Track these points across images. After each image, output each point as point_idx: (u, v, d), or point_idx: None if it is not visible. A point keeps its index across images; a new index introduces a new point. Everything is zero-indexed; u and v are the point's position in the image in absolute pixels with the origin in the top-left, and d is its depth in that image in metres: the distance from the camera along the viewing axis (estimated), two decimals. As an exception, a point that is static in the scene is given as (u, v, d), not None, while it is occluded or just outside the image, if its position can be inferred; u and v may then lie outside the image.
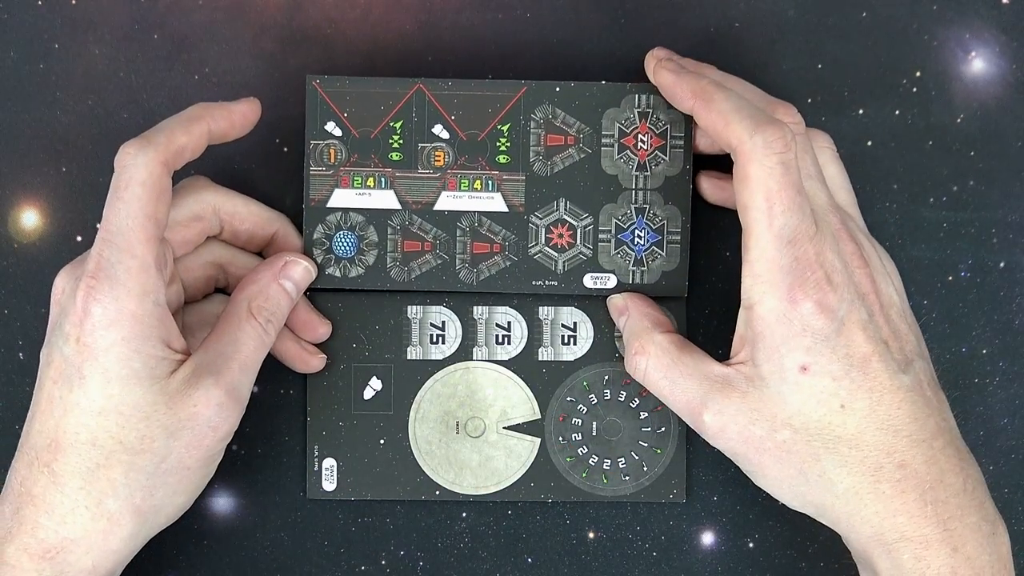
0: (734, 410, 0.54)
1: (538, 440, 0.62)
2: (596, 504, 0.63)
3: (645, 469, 0.62)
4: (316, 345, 0.61)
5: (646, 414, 0.62)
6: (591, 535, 0.63)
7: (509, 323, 0.62)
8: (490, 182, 0.60)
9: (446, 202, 0.60)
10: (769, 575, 0.64)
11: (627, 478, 0.62)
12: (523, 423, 0.62)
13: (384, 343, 0.62)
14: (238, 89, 0.62)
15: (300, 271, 0.59)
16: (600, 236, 0.60)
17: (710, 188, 0.61)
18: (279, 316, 0.57)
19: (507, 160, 0.60)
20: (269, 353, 0.58)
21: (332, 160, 0.60)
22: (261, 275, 0.58)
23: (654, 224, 0.60)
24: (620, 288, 0.61)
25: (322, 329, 0.61)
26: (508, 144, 0.60)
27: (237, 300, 0.57)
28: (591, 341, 0.62)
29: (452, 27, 0.62)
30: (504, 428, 0.62)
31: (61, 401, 0.53)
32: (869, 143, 0.63)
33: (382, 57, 0.62)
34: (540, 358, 0.62)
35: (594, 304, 0.62)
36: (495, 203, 0.60)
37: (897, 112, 0.62)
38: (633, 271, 0.60)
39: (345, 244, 0.60)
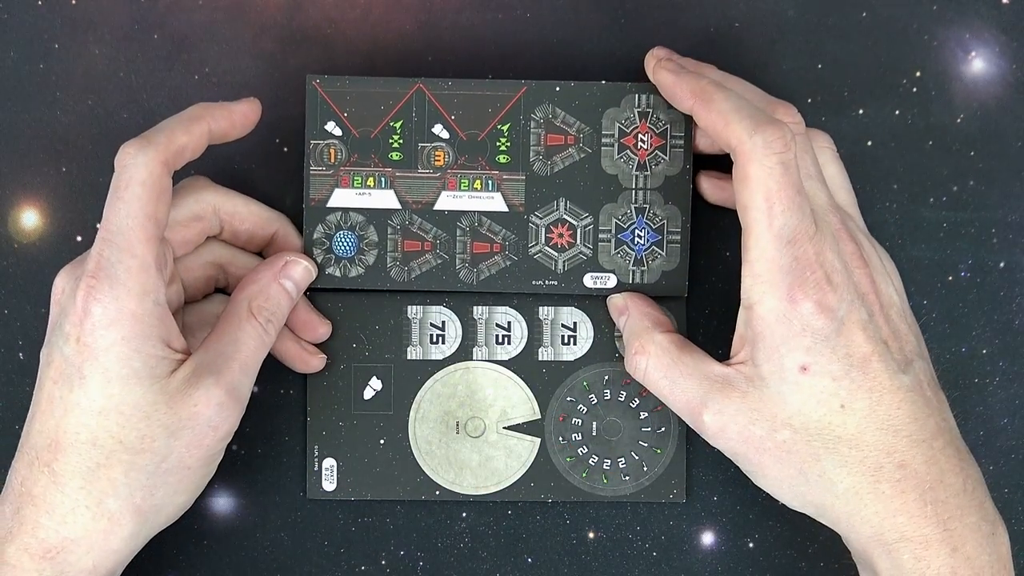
0: (734, 410, 0.54)
1: (538, 440, 0.62)
2: (596, 504, 0.63)
3: (645, 469, 0.62)
4: (316, 345, 0.61)
5: (646, 414, 0.62)
6: (591, 535, 0.63)
7: (509, 323, 0.62)
8: (490, 182, 0.60)
9: (446, 202, 0.60)
10: (769, 575, 0.64)
11: (627, 478, 0.62)
12: (523, 423, 0.62)
13: (384, 343, 0.62)
14: (238, 89, 0.62)
15: (300, 271, 0.59)
16: (600, 236, 0.60)
17: (710, 188, 0.61)
18: (279, 316, 0.57)
19: (507, 160, 0.60)
20: (269, 353, 0.58)
21: (332, 160, 0.60)
22: (261, 275, 0.58)
23: (654, 224, 0.60)
24: (620, 288, 0.61)
25: (322, 329, 0.61)
26: (508, 144, 0.60)
27: (237, 300, 0.57)
28: (591, 341, 0.62)
29: (452, 27, 0.62)
30: (504, 428, 0.62)
31: (61, 401, 0.53)
32: (869, 143, 0.63)
33: (382, 57, 0.62)
34: (540, 358, 0.62)
35: (594, 304, 0.62)
36: (495, 203, 0.60)
37: (897, 112, 0.62)
38: (633, 271, 0.60)
39: (345, 244, 0.60)
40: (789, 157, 0.52)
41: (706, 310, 0.63)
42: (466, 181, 0.60)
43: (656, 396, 0.57)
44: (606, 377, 0.62)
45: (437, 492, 0.62)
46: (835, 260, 0.53)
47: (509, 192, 0.60)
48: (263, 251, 0.61)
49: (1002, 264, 0.63)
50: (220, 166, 0.62)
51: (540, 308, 0.62)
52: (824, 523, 0.55)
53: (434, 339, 0.62)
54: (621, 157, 0.60)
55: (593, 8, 0.62)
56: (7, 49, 0.62)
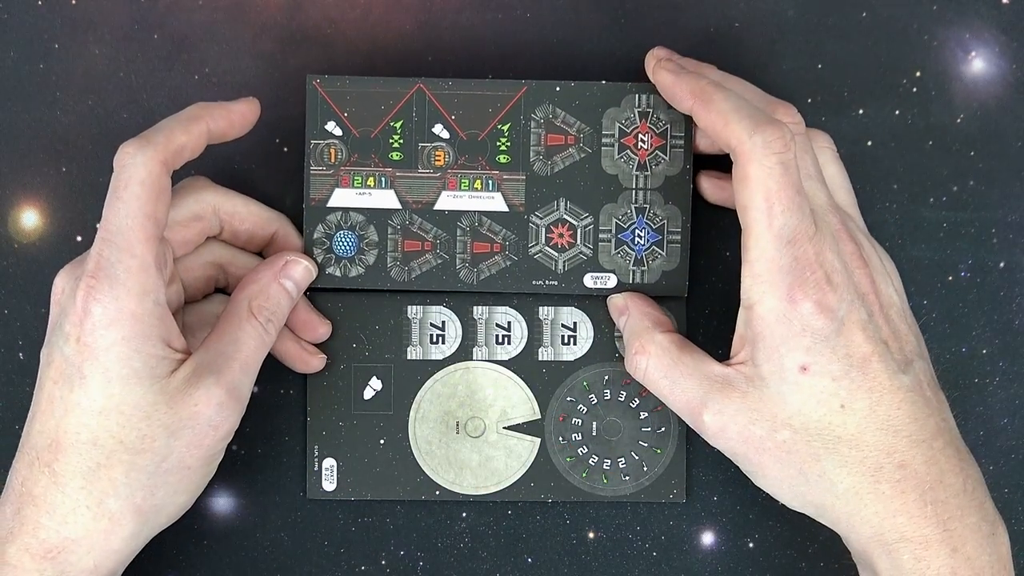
0: (734, 410, 0.54)
1: (538, 440, 0.62)
2: (596, 504, 0.63)
3: (645, 469, 0.62)
4: (316, 345, 0.61)
5: (646, 414, 0.62)
6: (591, 535, 0.63)
7: (509, 323, 0.62)
8: (490, 182, 0.60)
9: (446, 202, 0.60)
10: (769, 575, 0.63)
11: (627, 478, 0.62)
12: (523, 423, 0.62)
13: (384, 343, 0.62)
14: (238, 89, 0.62)
15: (301, 270, 0.59)
16: (600, 236, 0.60)
17: (710, 188, 0.61)
18: (280, 315, 0.57)
19: (507, 160, 0.60)
20: (269, 353, 0.58)
21: (332, 160, 0.60)
22: (262, 274, 0.58)
23: (654, 224, 0.60)
24: (620, 288, 0.61)
25: (322, 329, 0.61)
26: (508, 144, 0.60)
27: (238, 299, 0.57)
28: (591, 341, 0.62)
29: (452, 27, 0.62)
30: (504, 428, 0.62)
31: (62, 401, 0.53)
32: (869, 143, 0.63)
33: (382, 57, 0.62)
34: (540, 358, 0.62)
35: (594, 304, 0.62)
36: (495, 203, 0.60)
37: (897, 112, 0.62)
38: (633, 271, 0.60)
39: (345, 244, 0.60)
40: (789, 157, 0.52)
41: (706, 310, 0.63)
42: (466, 181, 0.60)
43: (656, 396, 0.57)
44: (606, 377, 0.62)
45: (437, 492, 0.62)
46: (835, 260, 0.53)
47: (509, 192, 0.60)
48: (263, 251, 0.61)
49: (1002, 264, 0.63)
50: (220, 166, 0.62)
51: (540, 308, 0.62)
52: (824, 523, 0.55)
53: (434, 339, 0.62)
54: (621, 157, 0.60)
55: (593, 8, 0.62)
56: (7, 49, 0.62)
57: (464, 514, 0.63)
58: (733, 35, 0.62)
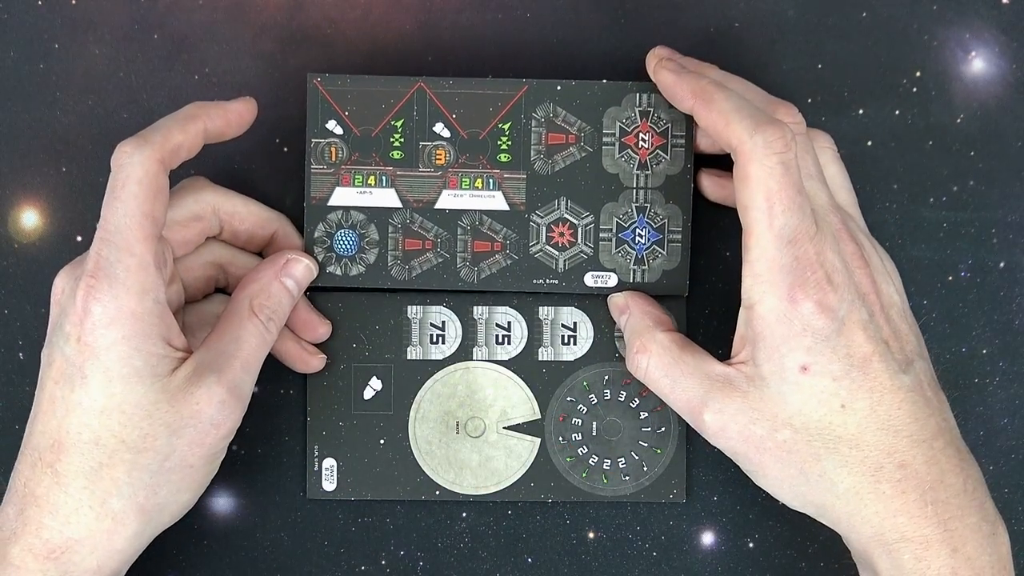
0: (734, 409, 0.54)
1: (538, 440, 0.62)
2: (596, 504, 0.63)
3: (645, 469, 0.62)
4: (316, 345, 0.61)
5: (646, 414, 0.62)
6: (591, 535, 0.63)
7: (509, 323, 0.62)
8: (491, 181, 0.60)
9: (447, 200, 0.60)
10: (769, 575, 0.63)
11: (627, 478, 0.62)
12: (523, 423, 0.62)
13: (384, 343, 0.62)
14: (238, 89, 0.62)
15: (301, 269, 0.59)
16: (601, 235, 0.60)
17: (711, 185, 0.61)
18: (281, 314, 0.57)
19: (508, 159, 0.60)
20: (269, 353, 0.58)
21: (333, 158, 0.60)
22: (263, 273, 0.58)
23: (655, 223, 0.60)
24: (621, 287, 0.61)
25: (322, 329, 0.61)
26: (509, 143, 0.60)
27: (238, 298, 0.57)
28: (591, 341, 0.62)
29: (452, 27, 0.62)
30: (504, 428, 0.62)
31: (63, 401, 0.53)
32: (869, 143, 0.63)
33: (382, 57, 0.62)
34: (540, 358, 0.62)
35: (594, 304, 0.62)
36: (496, 201, 0.60)
37: (897, 112, 0.62)
38: (634, 270, 0.60)
39: (346, 242, 0.60)
40: (790, 157, 0.52)
41: (706, 310, 0.63)
42: (467, 180, 0.60)
43: (657, 395, 0.57)
44: (606, 377, 0.62)
45: (437, 492, 0.62)
46: (836, 260, 0.53)
47: (510, 191, 0.60)
48: (263, 251, 0.61)
49: (1002, 264, 0.63)
50: (220, 166, 0.62)
51: (540, 308, 0.62)
52: (824, 523, 0.55)
53: (434, 339, 0.62)
54: (622, 156, 0.60)
55: (593, 8, 0.62)
56: (7, 49, 0.62)
57: (464, 514, 0.63)
58: (733, 35, 0.62)
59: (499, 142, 0.60)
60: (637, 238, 0.60)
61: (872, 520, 0.53)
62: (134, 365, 0.52)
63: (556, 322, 0.62)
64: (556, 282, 0.61)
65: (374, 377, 0.62)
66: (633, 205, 0.60)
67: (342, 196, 0.60)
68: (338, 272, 0.60)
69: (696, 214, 0.61)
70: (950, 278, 0.63)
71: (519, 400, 0.62)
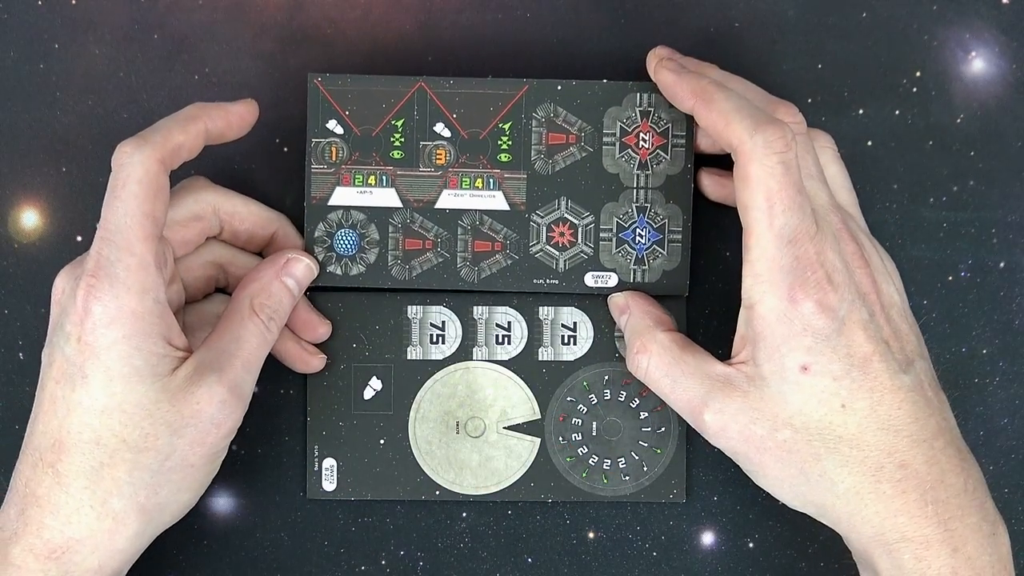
0: (735, 409, 0.54)
1: (538, 440, 0.62)
2: (596, 504, 0.63)
3: (645, 469, 0.62)
4: (316, 345, 0.61)
5: (646, 414, 0.62)
6: (591, 535, 0.63)
7: (509, 323, 0.62)
8: (491, 180, 0.60)
9: (447, 200, 0.60)
10: (769, 575, 0.63)
11: (627, 478, 0.62)
12: (523, 423, 0.62)
13: (384, 343, 0.62)
14: (238, 89, 0.62)
15: (302, 268, 0.59)
16: (601, 235, 0.60)
17: (711, 185, 0.61)
18: (281, 313, 0.57)
19: (508, 158, 0.60)
20: (269, 353, 0.58)
21: (333, 158, 0.60)
22: (263, 272, 0.58)
23: (655, 223, 0.60)
24: (621, 287, 0.61)
25: (322, 329, 0.61)
26: (509, 142, 0.60)
27: (239, 298, 0.57)
28: (591, 341, 0.62)
29: (452, 27, 0.62)
30: (504, 428, 0.62)
31: (64, 401, 0.53)
32: (869, 143, 0.63)
33: (382, 57, 0.62)
34: (540, 358, 0.62)
35: (594, 304, 0.62)
36: (496, 201, 0.60)
37: (897, 112, 0.62)
38: (634, 270, 0.60)
39: (346, 242, 0.60)
40: (790, 157, 0.52)
41: (707, 309, 0.63)
42: (467, 180, 0.60)
43: (657, 395, 0.57)
44: (606, 377, 0.62)
45: (437, 492, 0.62)
46: (836, 260, 0.53)
47: (510, 191, 0.60)
48: (263, 251, 0.61)
49: (1002, 264, 0.63)
50: (220, 166, 0.62)
51: (540, 308, 0.62)
52: (825, 523, 0.55)
53: (434, 339, 0.62)
54: (622, 156, 0.60)
55: (593, 8, 0.62)
56: (7, 49, 0.62)
57: (464, 514, 0.63)
58: (733, 35, 0.62)
59: (499, 142, 0.60)
60: (637, 238, 0.60)
61: (872, 520, 0.53)
62: (135, 364, 0.52)
63: (556, 322, 0.62)
64: (556, 282, 0.61)
65: (374, 377, 0.62)
66: (633, 205, 0.60)
67: (342, 196, 0.60)
68: (338, 272, 0.60)
69: (696, 214, 0.61)
70: (950, 278, 0.63)
71: (519, 400, 0.62)
